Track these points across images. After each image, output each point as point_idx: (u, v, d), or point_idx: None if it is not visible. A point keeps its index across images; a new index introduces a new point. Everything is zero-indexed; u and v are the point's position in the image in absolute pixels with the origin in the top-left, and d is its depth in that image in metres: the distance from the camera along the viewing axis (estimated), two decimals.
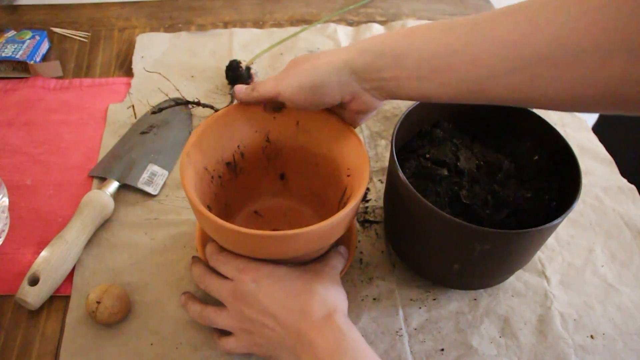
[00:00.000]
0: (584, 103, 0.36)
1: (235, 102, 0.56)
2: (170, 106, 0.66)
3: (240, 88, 0.51)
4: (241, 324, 0.45)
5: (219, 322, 0.47)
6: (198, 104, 0.67)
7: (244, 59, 0.75)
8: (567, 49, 0.34)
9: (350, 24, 0.90)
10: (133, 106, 0.71)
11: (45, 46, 0.81)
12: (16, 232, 0.57)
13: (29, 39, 0.79)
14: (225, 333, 0.47)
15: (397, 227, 0.54)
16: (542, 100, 0.38)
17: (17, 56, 0.75)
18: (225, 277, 0.47)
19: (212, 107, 0.69)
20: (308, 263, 0.48)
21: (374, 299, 0.54)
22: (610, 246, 0.60)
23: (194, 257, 0.52)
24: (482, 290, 0.55)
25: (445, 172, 0.51)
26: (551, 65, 0.35)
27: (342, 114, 0.50)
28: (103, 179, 0.62)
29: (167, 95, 0.71)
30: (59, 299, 0.53)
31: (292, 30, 0.87)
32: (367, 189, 0.64)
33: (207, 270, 0.49)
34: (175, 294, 0.53)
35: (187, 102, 0.67)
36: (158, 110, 0.66)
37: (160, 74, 0.74)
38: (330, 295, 0.44)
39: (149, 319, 0.51)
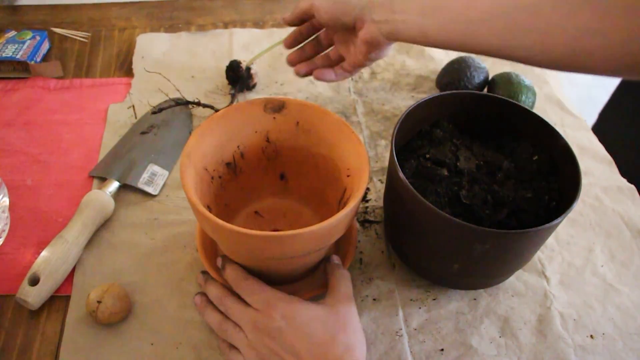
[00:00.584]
0: (554, 54, 0.41)
1: (235, 102, 0.55)
2: (170, 106, 0.66)
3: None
4: (258, 352, 0.44)
5: (235, 341, 0.46)
6: (198, 104, 0.67)
7: (244, 59, 0.75)
8: None
9: None
10: (133, 106, 0.71)
11: (45, 46, 0.81)
12: (16, 232, 0.58)
13: (30, 39, 0.79)
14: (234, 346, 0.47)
15: (397, 227, 0.54)
16: (519, 49, 0.43)
17: (18, 56, 0.75)
18: (246, 302, 0.47)
19: (212, 107, 0.70)
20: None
21: (374, 299, 0.54)
22: (609, 246, 0.60)
23: (203, 272, 0.52)
24: (482, 290, 0.55)
25: (445, 172, 0.51)
26: (532, 12, 0.41)
27: (352, 48, 0.57)
28: (103, 179, 0.62)
29: (167, 95, 0.71)
30: (59, 299, 0.53)
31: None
32: (367, 189, 0.64)
33: (227, 292, 0.48)
34: (176, 294, 0.53)
35: (187, 102, 0.67)
36: (158, 110, 0.66)
37: (160, 74, 0.74)
38: (351, 344, 0.44)
39: (149, 319, 0.51)
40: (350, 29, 0.56)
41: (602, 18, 0.37)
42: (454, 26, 0.46)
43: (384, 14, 0.51)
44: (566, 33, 0.39)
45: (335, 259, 0.51)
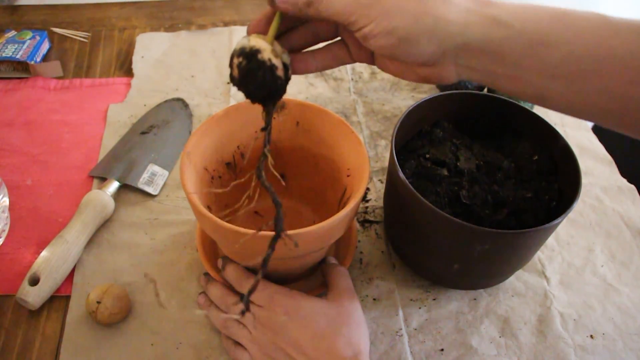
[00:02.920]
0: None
1: (235, 102, 0.55)
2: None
3: None
4: (264, 348, 0.44)
5: (239, 337, 0.46)
6: None
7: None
8: None
9: None
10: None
11: (45, 46, 0.81)
12: (16, 232, 0.58)
13: (30, 39, 0.79)
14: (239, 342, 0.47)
15: (397, 227, 0.54)
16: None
17: (18, 56, 0.75)
18: None
19: None
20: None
21: (374, 299, 0.54)
22: (610, 246, 0.60)
23: (205, 273, 0.52)
24: (482, 290, 0.55)
25: (445, 172, 0.51)
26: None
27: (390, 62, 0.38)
28: (103, 179, 0.62)
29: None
30: (59, 299, 0.53)
31: None
32: (367, 189, 0.64)
33: (227, 291, 0.48)
34: (176, 294, 0.53)
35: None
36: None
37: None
38: (354, 338, 0.44)
39: (149, 319, 0.51)
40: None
41: None
42: (598, 96, 0.34)
43: (481, 64, 0.34)
44: None
45: (332, 259, 0.51)
